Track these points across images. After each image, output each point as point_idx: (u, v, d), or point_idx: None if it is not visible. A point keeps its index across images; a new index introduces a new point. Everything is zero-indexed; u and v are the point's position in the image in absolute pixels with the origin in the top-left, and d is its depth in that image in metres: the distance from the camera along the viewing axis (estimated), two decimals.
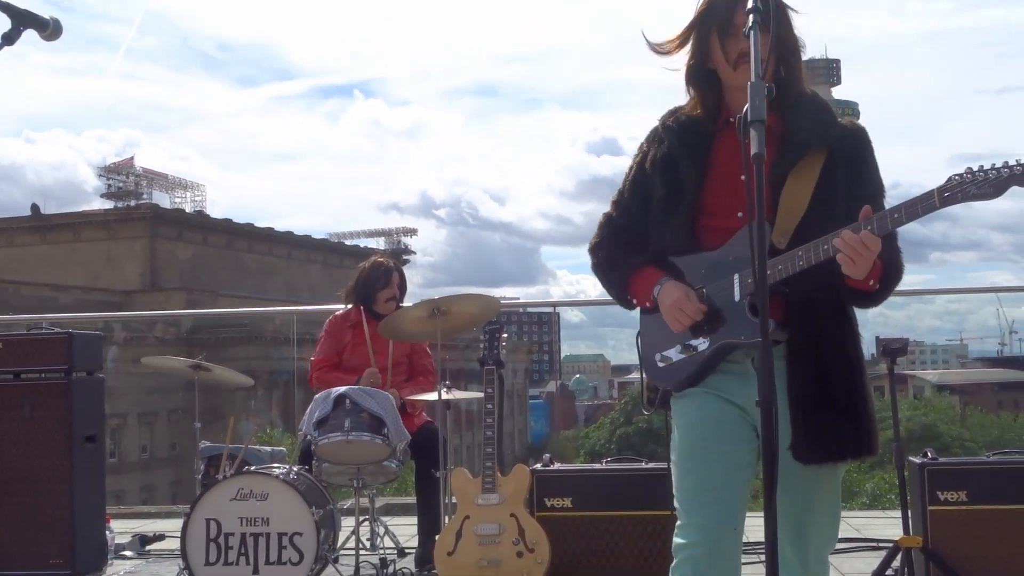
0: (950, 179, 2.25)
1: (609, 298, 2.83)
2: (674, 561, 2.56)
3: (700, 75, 2.62)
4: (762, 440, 2.04)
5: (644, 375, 2.76)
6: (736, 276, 2.50)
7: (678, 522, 2.59)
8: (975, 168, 2.24)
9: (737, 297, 2.49)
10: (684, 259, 2.62)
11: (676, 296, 2.54)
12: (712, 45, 2.55)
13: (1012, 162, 2.22)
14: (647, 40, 2.68)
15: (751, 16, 2.22)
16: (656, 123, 2.76)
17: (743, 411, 2.55)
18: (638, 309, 2.77)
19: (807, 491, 2.52)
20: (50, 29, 2.44)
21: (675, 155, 2.63)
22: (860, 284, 2.42)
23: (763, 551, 2.34)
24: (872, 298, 2.54)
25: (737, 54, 2.50)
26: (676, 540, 2.58)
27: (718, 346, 2.52)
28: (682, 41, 2.62)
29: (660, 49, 2.67)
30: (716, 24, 2.53)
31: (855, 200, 2.43)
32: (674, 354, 2.62)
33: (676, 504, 2.61)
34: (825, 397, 2.47)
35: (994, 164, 2.22)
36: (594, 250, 2.84)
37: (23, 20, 2.39)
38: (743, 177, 2.47)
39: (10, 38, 2.38)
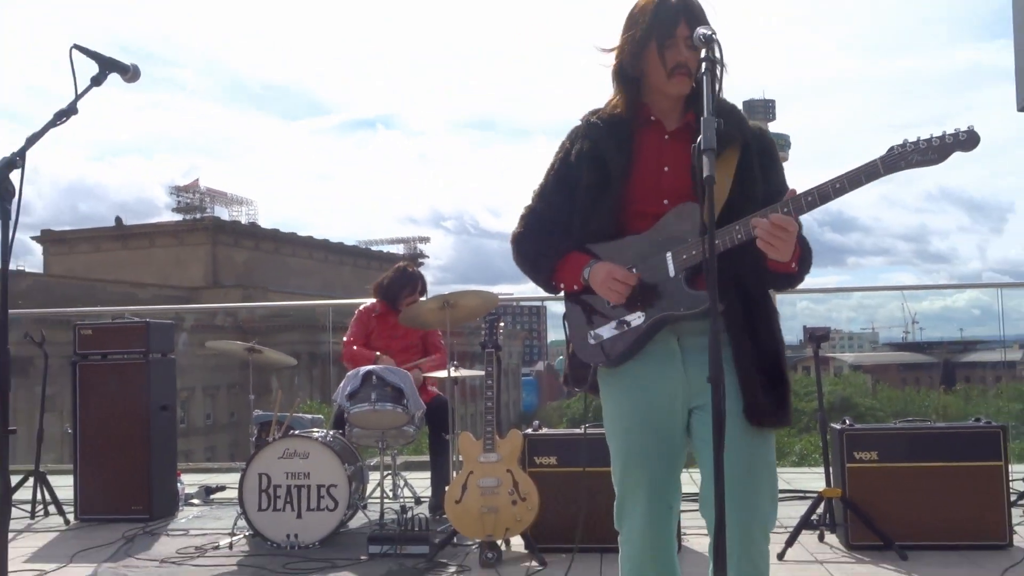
0: (890, 149, 2.03)
1: None
2: (620, 552, 2.38)
3: (626, 76, 2.35)
4: (713, 410, 1.84)
5: (572, 354, 2.42)
6: (668, 254, 2.26)
7: (618, 506, 2.39)
8: (913, 139, 2.02)
9: (672, 273, 2.25)
10: (609, 244, 2.35)
11: (608, 268, 2.28)
12: (649, 51, 2.28)
13: (954, 130, 1.99)
14: (599, 48, 2.40)
15: (703, 64, 2.03)
16: (578, 122, 2.48)
17: (671, 391, 2.29)
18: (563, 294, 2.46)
19: (747, 456, 2.23)
20: (131, 73, 2.41)
21: (602, 147, 2.35)
22: (782, 267, 2.19)
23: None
24: (792, 279, 2.30)
25: (674, 64, 2.26)
26: (620, 528, 2.38)
27: (655, 319, 2.26)
28: (628, 52, 2.34)
29: (605, 50, 2.40)
30: (657, 33, 2.26)
31: (769, 191, 2.27)
32: (607, 331, 2.32)
33: (616, 483, 2.40)
34: (761, 366, 2.24)
35: (933, 134, 2.01)
36: (518, 241, 2.50)
37: (109, 66, 2.37)
38: (666, 168, 2.31)
39: (98, 80, 2.36)
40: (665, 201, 2.31)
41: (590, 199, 2.36)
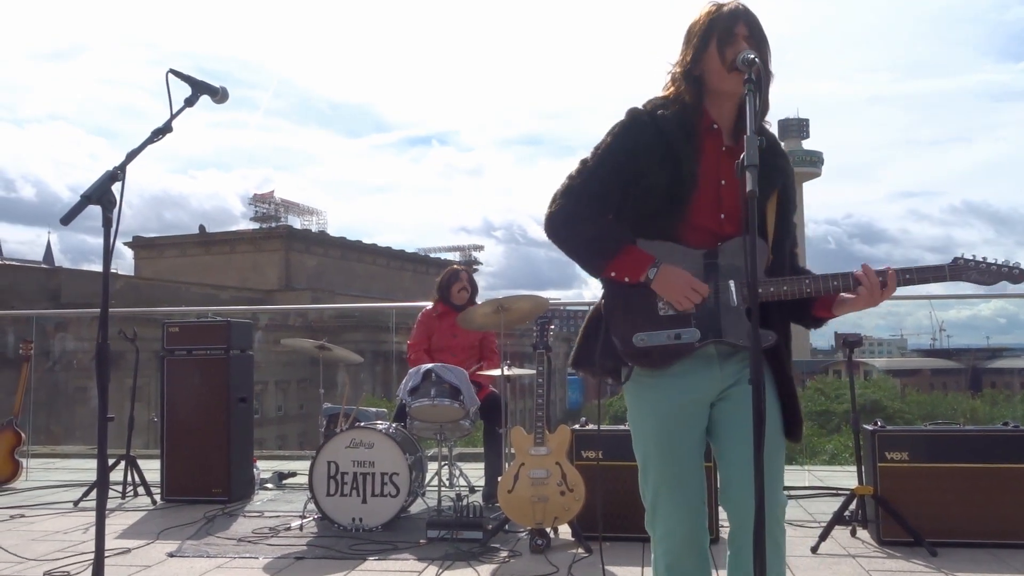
0: (955, 260, 2.09)
1: None
2: (655, 551, 2.23)
3: (688, 78, 2.19)
4: (753, 411, 1.78)
5: (604, 344, 2.21)
6: (732, 283, 2.13)
7: (651, 506, 2.22)
8: (978, 257, 2.08)
9: (735, 302, 2.12)
10: (660, 246, 2.16)
11: (686, 277, 2.11)
12: (709, 53, 2.15)
13: (1012, 262, 2.06)
14: (667, 65, 2.27)
15: (746, 86, 1.94)
16: (637, 107, 2.23)
17: (704, 390, 2.19)
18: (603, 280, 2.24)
19: (767, 452, 2.04)
20: (220, 95, 2.43)
21: (676, 148, 2.14)
22: (827, 314, 2.24)
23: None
24: (821, 324, 2.31)
25: (733, 57, 2.08)
26: (654, 529, 2.22)
27: (711, 342, 2.14)
28: (690, 54, 2.20)
29: (671, 64, 2.26)
30: (717, 33, 2.14)
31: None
32: (656, 338, 2.13)
33: (645, 493, 2.24)
34: (792, 388, 2.21)
35: (996, 260, 2.08)
36: (558, 218, 2.21)
37: (200, 88, 2.40)
38: (723, 182, 2.15)
39: (191, 102, 2.38)
40: (721, 216, 2.15)
41: (658, 200, 2.16)
